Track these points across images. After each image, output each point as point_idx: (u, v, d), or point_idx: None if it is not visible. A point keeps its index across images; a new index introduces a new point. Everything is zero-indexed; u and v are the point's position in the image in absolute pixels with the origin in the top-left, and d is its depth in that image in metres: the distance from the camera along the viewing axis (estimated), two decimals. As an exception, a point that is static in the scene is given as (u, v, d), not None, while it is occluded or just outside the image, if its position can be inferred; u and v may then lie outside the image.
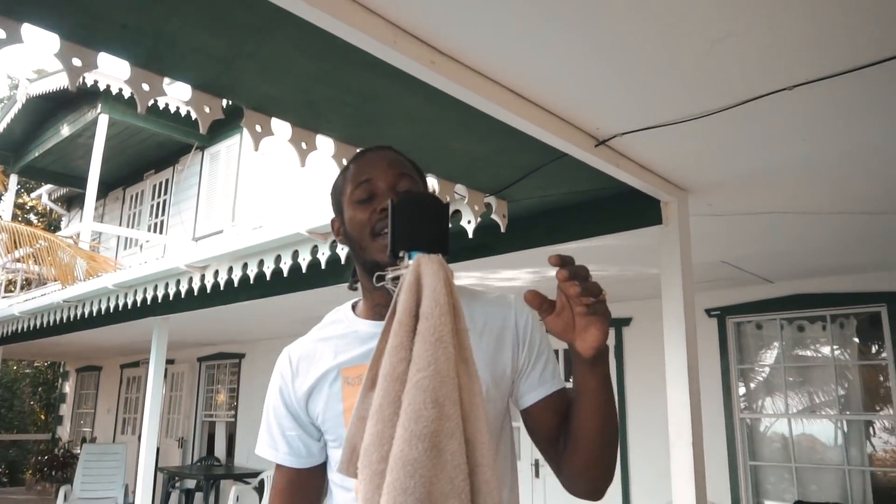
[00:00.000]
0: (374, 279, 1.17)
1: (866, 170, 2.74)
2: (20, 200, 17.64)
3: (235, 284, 4.38)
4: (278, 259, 4.02)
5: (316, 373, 1.24)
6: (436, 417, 0.89)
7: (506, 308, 1.25)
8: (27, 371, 17.12)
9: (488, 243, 3.41)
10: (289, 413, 1.26)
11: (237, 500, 7.67)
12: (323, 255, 3.69)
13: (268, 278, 4.16)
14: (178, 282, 4.92)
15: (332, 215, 1.35)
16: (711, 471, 5.05)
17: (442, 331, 0.94)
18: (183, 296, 5.08)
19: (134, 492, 6.20)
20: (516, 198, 2.99)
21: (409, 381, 0.91)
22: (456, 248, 3.73)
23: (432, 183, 2.68)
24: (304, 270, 3.82)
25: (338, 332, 1.28)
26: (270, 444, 1.28)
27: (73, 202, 13.95)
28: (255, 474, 8.15)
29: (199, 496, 8.92)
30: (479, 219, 2.97)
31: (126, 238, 11.58)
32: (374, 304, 1.26)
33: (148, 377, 6.16)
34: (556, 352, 1.32)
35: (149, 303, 5.54)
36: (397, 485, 0.85)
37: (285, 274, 4.01)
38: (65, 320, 6.49)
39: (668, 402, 2.82)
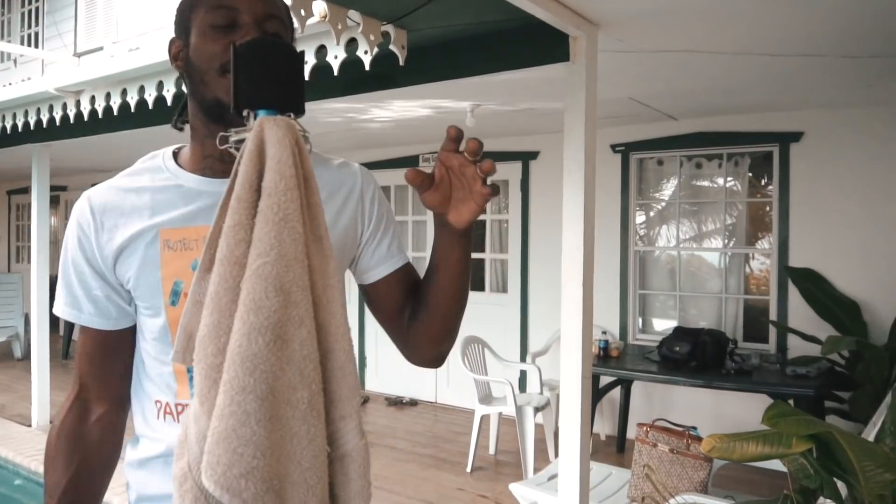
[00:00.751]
0: (218, 140, 1.02)
1: (774, 13, 2.65)
2: None
3: (115, 112, 4.00)
4: (160, 86, 3.66)
5: (127, 230, 1.08)
6: (280, 306, 0.80)
7: (351, 177, 1.15)
8: None
9: (387, 74, 3.19)
10: (93, 271, 1.10)
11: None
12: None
13: (150, 107, 3.81)
14: (52, 107, 4.46)
15: (174, 35, 1.13)
16: (603, 300, 5.38)
17: (287, 208, 0.83)
18: (58, 123, 4.63)
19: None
20: (417, 27, 2.75)
21: (248, 268, 0.80)
22: (352, 78, 3.50)
23: (321, 6, 2.41)
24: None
25: (156, 182, 1.11)
26: (71, 303, 1.12)
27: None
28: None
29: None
30: (376, 49, 2.73)
31: (-4, 51, 10.36)
32: (206, 156, 1.10)
33: (32, 207, 5.79)
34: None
35: (20, 129, 5.05)
36: (235, 382, 0.77)
37: (168, 102, 3.67)
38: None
39: (562, 244, 2.85)
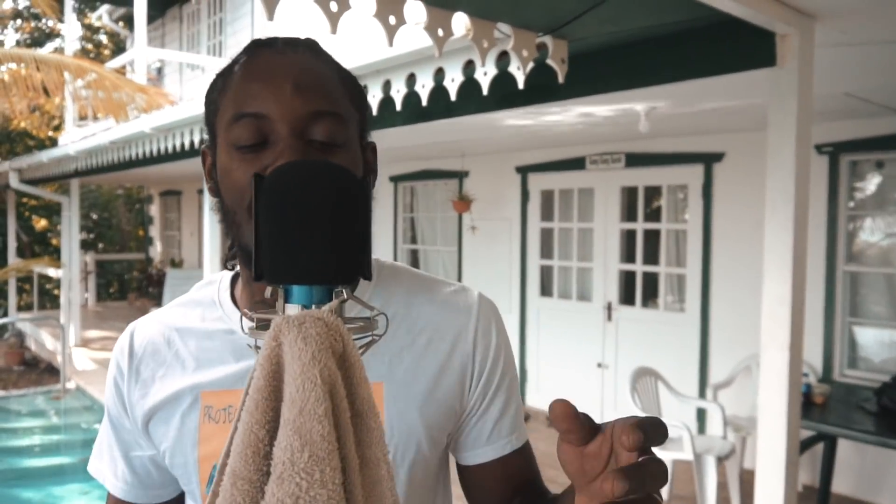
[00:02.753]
0: (241, 319, 0.70)
1: None
2: (87, 21, 17.27)
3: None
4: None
5: (163, 388, 0.82)
6: None
7: (464, 315, 0.86)
8: (119, 192, 17.81)
9: (547, 85, 2.76)
10: (133, 426, 0.86)
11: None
12: (399, 93, 3.12)
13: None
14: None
15: (206, 137, 0.83)
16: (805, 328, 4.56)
17: (311, 443, 0.46)
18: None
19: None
20: (580, 36, 2.30)
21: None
22: (507, 91, 3.10)
23: (462, 22, 2.04)
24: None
25: (206, 323, 0.84)
26: (106, 460, 0.89)
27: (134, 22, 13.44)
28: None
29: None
30: (531, 64, 2.32)
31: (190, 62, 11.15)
32: (255, 301, 0.81)
33: (203, 206, 6.03)
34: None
35: (196, 145, 5.21)
36: None
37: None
38: (118, 161, 6.33)
39: (763, 292, 2.29)
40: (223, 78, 0.77)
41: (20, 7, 15.30)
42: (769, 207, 2.26)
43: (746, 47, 2.26)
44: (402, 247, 8.07)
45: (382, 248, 8.18)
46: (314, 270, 0.55)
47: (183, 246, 13.14)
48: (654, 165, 5.52)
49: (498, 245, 6.77)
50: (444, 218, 7.47)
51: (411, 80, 2.86)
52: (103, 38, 18.37)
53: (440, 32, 1.95)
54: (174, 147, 5.23)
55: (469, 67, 2.62)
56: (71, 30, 12.90)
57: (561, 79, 2.30)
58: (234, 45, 9.90)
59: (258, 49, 0.76)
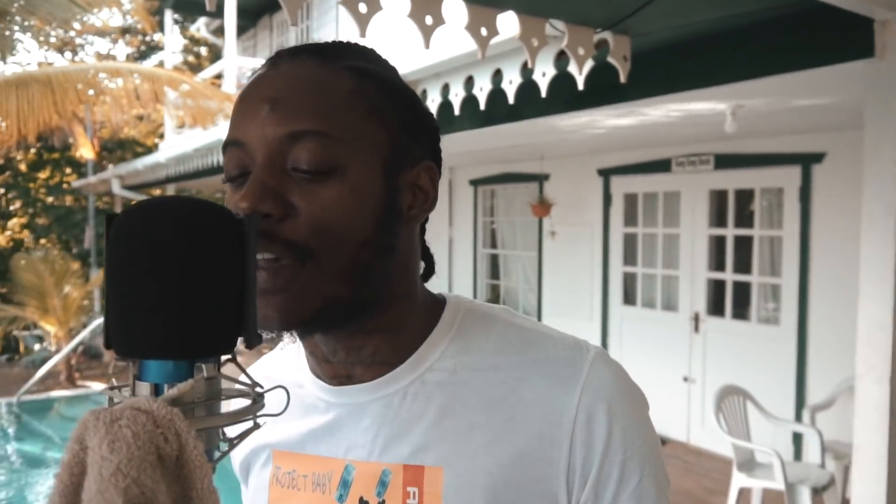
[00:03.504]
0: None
1: None
2: (189, 34, 18.14)
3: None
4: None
5: (250, 440, 0.72)
6: None
7: (564, 388, 0.64)
8: (217, 196, 18.61)
9: (613, 86, 2.56)
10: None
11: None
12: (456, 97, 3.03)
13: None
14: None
15: None
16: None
17: None
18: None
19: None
20: (644, 30, 2.10)
21: None
22: (570, 94, 2.91)
23: (510, 23, 1.89)
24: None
25: (290, 373, 0.73)
26: None
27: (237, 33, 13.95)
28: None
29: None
30: (590, 63, 2.14)
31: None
32: (309, 352, 0.70)
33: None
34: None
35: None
36: None
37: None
38: (202, 167, 6.54)
39: (859, 314, 2.02)
40: None
41: (128, 24, 16.25)
42: (866, 218, 1.98)
43: (839, 36, 2.00)
44: (481, 251, 7.95)
45: (462, 252, 8.09)
46: (153, 343, 0.43)
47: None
48: (746, 167, 5.14)
49: (579, 250, 6.53)
50: (524, 222, 7.29)
51: (469, 83, 2.73)
52: (203, 50, 19.24)
53: (483, 32, 1.80)
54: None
55: (527, 69, 2.46)
56: (172, 43, 13.56)
57: (623, 78, 2.10)
58: (320, 51, 10.07)
59: (262, 66, 0.65)
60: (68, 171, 15.54)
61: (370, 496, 0.65)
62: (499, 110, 2.95)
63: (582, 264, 6.49)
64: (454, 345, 0.67)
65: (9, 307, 9.96)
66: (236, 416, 0.46)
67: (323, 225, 0.58)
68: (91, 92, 8.47)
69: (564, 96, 2.71)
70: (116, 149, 16.67)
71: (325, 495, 0.67)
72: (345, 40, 0.67)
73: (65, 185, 15.26)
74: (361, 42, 0.71)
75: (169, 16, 12.26)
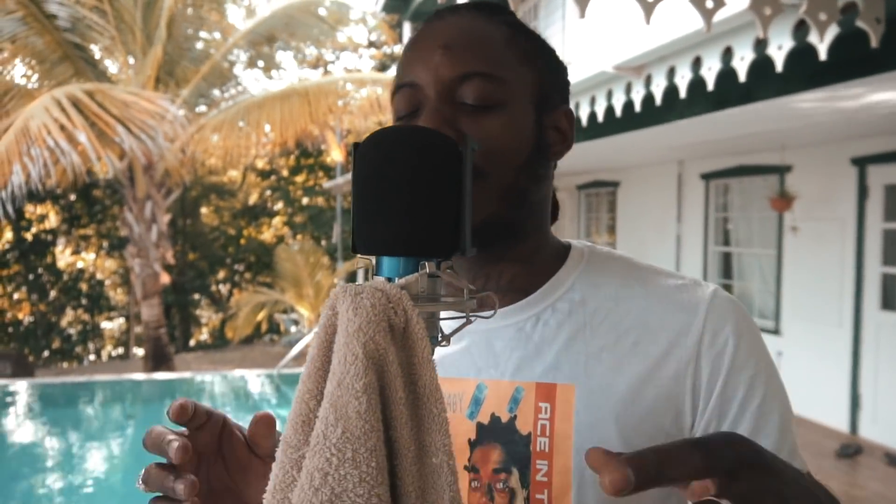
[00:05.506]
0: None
1: None
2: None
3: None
4: (593, 101, 3.44)
5: None
6: None
7: (687, 314, 0.70)
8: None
9: (866, 55, 2.31)
10: None
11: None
12: (638, 94, 3.00)
13: (583, 123, 3.63)
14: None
15: None
16: None
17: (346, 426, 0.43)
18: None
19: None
20: (901, -13, 1.88)
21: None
22: (806, 72, 2.66)
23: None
24: (618, 114, 3.20)
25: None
26: None
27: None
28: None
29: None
30: (835, 30, 1.97)
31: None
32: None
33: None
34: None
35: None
36: None
37: (600, 118, 3.42)
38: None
39: None
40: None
41: (372, 38, 17.76)
42: None
43: None
44: (712, 249, 7.50)
45: (691, 249, 7.70)
46: (389, 241, 0.52)
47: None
48: None
49: (826, 249, 5.90)
50: (762, 218, 6.75)
51: (697, 64, 2.63)
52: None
53: (709, 4, 1.75)
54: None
55: (761, 43, 2.31)
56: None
57: (875, 42, 1.89)
58: (546, 50, 10.19)
59: (426, 21, 0.75)
60: (320, 174, 17.40)
61: (502, 412, 0.70)
62: (730, 92, 2.81)
63: (829, 264, 5.86)
64: (582, 279, 0.74)
65: (272, 293, 11.45)
66: (451, 306, 0.54)
67: (489, 149, 0.66)
68: (340, 102, 9.44)
69: (806, 71, 2.51)
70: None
71: (454, 414, 0.72)
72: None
73: (317, 187, 17.11)
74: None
75: (408, 28, 13.19)
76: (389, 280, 0.53)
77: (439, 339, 0.57)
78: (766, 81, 2.61)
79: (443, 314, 0.57)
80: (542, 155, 0.72)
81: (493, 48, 0.69)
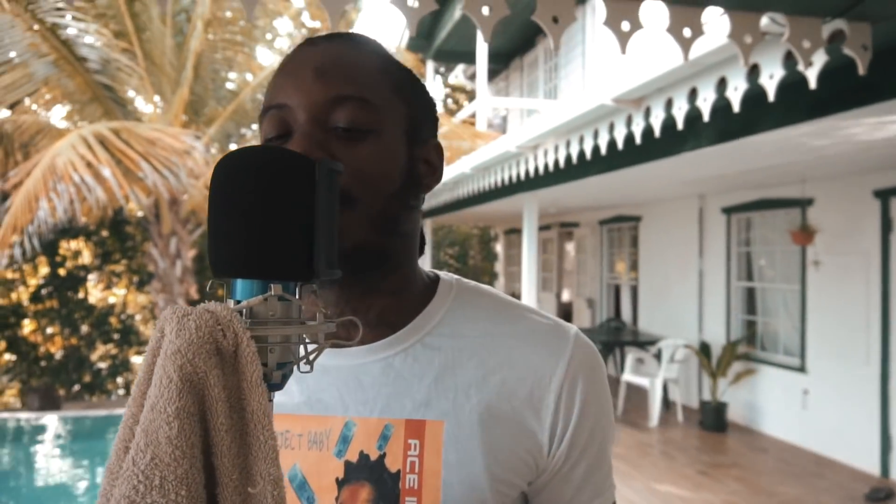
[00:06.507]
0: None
1: None
2: (450, 84, 19.61)
3: (561, 165, 3.94)
4: (596, 134, 3.43)
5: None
6: None
7: (551, 359, 0.73)
8: (474, 231, 19.67)
9: (863, 85, 2.27)
10: None
11: (636, 362, 7.59)
12: (638, 127, 2.99)
13: (587, 156, 3.61)
14: (518, 162, 4.70)
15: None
16: None
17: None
18: (533, 174, 4.85)
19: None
20: (888, 14, 1.85)
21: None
22: (804, 102, 2.61)
23: (717, 19, 1.79)
24: (619, 146, 3.17)
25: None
26: None
27: (489, 76, 14.82)
28: (654, 342, 7.89)
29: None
30: (823, 58, 1.94)
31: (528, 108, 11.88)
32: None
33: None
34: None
35: (513, 181, 5.49)
36: None
37: (602, 151, 3.41)
38: (450, 201, 6.97)
39: None
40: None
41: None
42: None
43: None
44: (735, 284, 7.35)
45: (714, 285, 7.56)
46: (234, 263, 0.51)
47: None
48: None
49: (850, 283, 5.74)
50: (784, 252, 6.61)
51: (693, 95, 2.61)
52: (461, 97, 20.63)
53: (687, 33, 1.74)
54: (492, 184, 5.57)
55: (754, 73, 2.29)
56: (436, 90, 14.77)
57: (862, 69, 1.86)
58: (566, 87, 10.26)
59: (297, 47, 0.74)
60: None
61: (371, 449, 0.69)
62: (729, 124, 2.78)
63: (855, 299, 5.70)
64: (451, 315, 0.74)
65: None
66: (298, 329, 0.52)
67: (361, 175, 0.66)
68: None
69: (805, 102, 2.47)
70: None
71: (322, 452, 0.70)
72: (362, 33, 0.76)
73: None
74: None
75: (430, 67, 13.41)
76: (237, 303, 0.52)
77: (301, 364, 0.56)
78: (764, 112, 2.58)
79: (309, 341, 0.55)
80: (413, 185, 0.72)
81: (366, 75, 0.69)
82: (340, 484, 0.69)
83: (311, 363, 0.55)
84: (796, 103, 2.48)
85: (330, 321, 0.55)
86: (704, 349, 7.20)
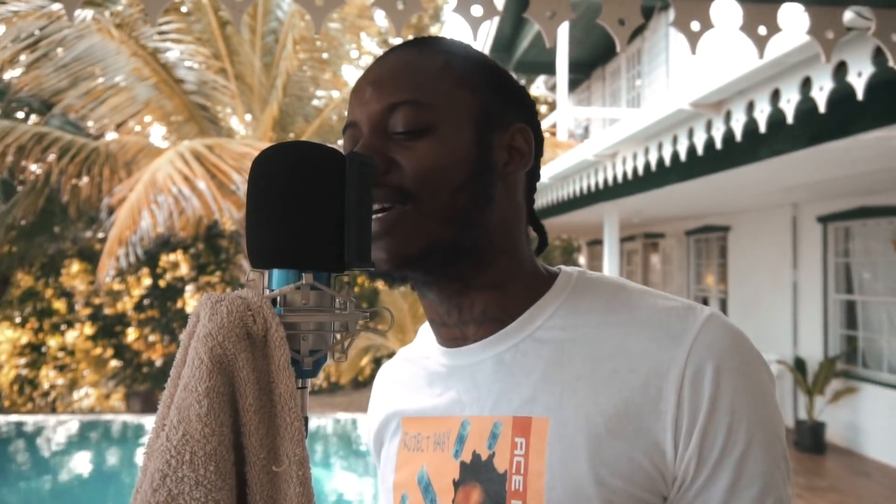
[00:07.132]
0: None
1: None
2: (532, 94, 19.57)
3: (639, 172, 3.86)
4: (675, 140, 3.34)
5: (382, 411, 0.84)
6: None
7: (671, 343, 0.63)
8: (556, 242, 19.48)
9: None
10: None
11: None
12: (718, 131, 2.90)
13: (666, 163, 3.52)
14: (596, 170, 4.63)
15: None
16: None
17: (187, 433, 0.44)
18: (612, 182, 4.77)
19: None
20: None
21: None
22: (894, 99, 2.43)
23: (796, 15, 1.72)
24: (700, 153, 3.08)
25: (420, 352, 0.83)
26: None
27: (570, 86, 14.71)
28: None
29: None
30: (916, 52, 1.82)
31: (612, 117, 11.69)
32: (429, 319, 0.78)
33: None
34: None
35: (592, 190, 5.42)
36: None
37: (682, 158, 3.31)
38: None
39: None
40: None
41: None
42: None
43: None
44: (833, 297, 6.95)
45: (809, 298, 7.18)
46: (266, 253, 0.54)
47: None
48: None
49: (963, 297, 5.33)
50: (888, 263, 6.21)
51: (775, 96, 2.51)
52: (543, 108, 20.52)
53: (762, 31, 1.67)
54: (571, 193, 5.51)
55: (841, 72, 2.18)
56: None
57: (960, 64, 1.74)
58: (650, 94, 10.04)
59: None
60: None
61: (482, 449, 0.67)
62: (816, 127, 2.65)
63: (968, 313, 5.28)
64: (565, 306, 0.70)
65: (376, 337, 11.71)
66: (327, 317, 0.54)
67: (421, 172, 0.66)
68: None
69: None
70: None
71: (443, 453, 0.71)
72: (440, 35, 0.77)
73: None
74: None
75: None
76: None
77: (336, 353, 0.57)
78: (855, 113, 2.45)
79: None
80: (487, 174, 0.70)
81: (420, 76, 0.70)
82: (457, 485, 0.69)
83: (345, 352, 0.57)
84: (891, 102, 2.34)
85: (361, 311, 0.57)
86: (799, 365, 6.84)
